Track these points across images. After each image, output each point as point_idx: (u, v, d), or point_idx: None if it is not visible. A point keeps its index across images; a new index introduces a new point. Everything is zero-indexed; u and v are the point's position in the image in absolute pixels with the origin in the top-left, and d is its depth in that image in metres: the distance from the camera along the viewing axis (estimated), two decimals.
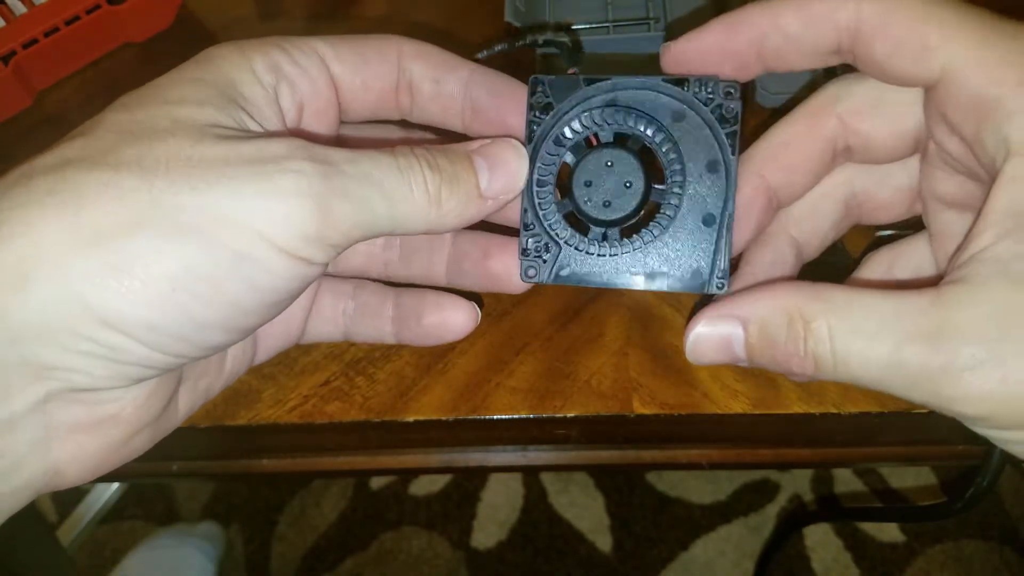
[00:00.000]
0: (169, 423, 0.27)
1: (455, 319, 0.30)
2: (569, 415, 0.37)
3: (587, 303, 0.40)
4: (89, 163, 0.21)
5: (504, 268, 0.29)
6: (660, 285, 0.27)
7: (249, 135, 0.23)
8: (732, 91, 0.27)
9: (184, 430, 0.38)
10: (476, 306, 0.30)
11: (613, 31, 0.49)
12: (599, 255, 0.28)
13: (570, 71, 0.31)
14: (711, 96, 0.27)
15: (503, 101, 0.29)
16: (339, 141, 0.28)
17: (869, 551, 1.09)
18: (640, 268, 0.28)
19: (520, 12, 0.49)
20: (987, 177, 0.24)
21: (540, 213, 0.28)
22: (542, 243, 0.28)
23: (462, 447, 0.41)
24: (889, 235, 0.39)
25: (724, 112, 0.27)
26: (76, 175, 0.21)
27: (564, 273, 0.28)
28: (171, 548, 1.06)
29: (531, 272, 0.28)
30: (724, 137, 0.27)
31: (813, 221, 0.31)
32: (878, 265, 0.32)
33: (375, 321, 0.31)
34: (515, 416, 0.37)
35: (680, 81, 0.27)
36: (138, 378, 0.23)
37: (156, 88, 0.24)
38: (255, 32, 0.55)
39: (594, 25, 0.49)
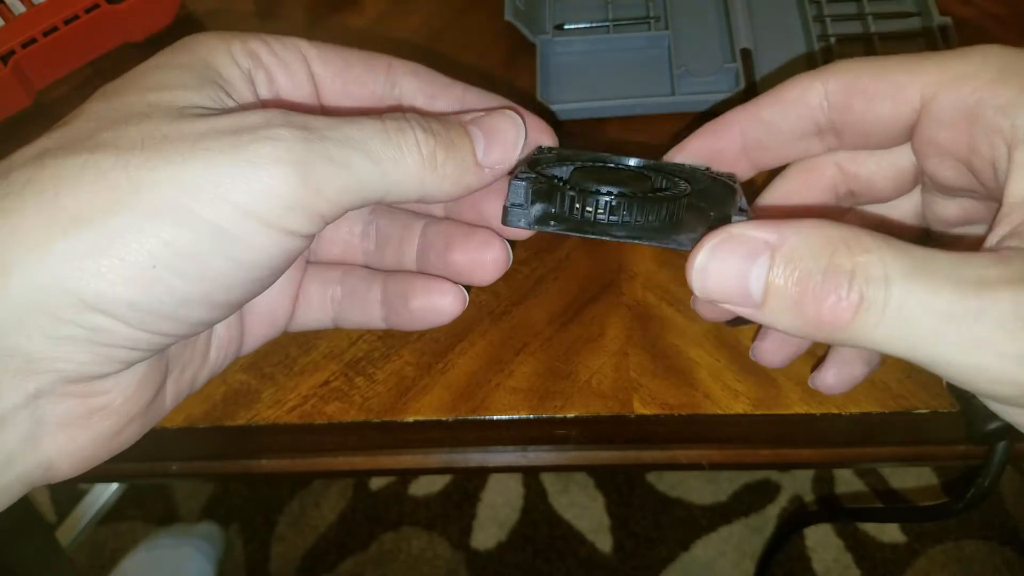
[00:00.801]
0: (157, 413, 0.27)
1: (443, 303, 0.29)
2: (569, 415, 0.37)
3: (587, 303, 0.40)
4: (66, 150, 0.21)
5: (466, 260, 0.28)
6: (666, 242, 0.23)
7: (226, 110, 0.23)
8: (727, 173, 0.27)
9: (183, 430, 0.38)
10: (464, 290, 0.29)
11: (613, 31, 0.49)
12: (596, 216, 0.24)
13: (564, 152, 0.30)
14: (705, 173, 0.27)
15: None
16: (324, 112, 0.27)
17: (870, 552, 1.09)
18: (636, 224, 0.24)
19: (520, 12, 0.49)
20: (987, 188, 0.24)
21: (536, 168, 0.26)
22: (535, 187, 0.25)
23: (462, 447, 0.41)
24: None
25: (727, 178, 0.27)
26: (53, 162, 0.21)
27: (550, 221, 0.24)
28: (170, 549, 1.06)
29: (508, 217, 0.25)
30: (729, 192, 0.25)
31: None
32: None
33: (363, 306, 0.30)
34: (515, 416, 0.37)
35: (677, 167, 0.28)
36: (125, 361, 0.23)
37: (134, 76, 0.24)
38: (254, 31, 0.55)
39: (594, 25, 0.49)
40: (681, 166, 0.28)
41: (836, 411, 0.37)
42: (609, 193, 0.23)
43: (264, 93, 0.26)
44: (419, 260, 0.30)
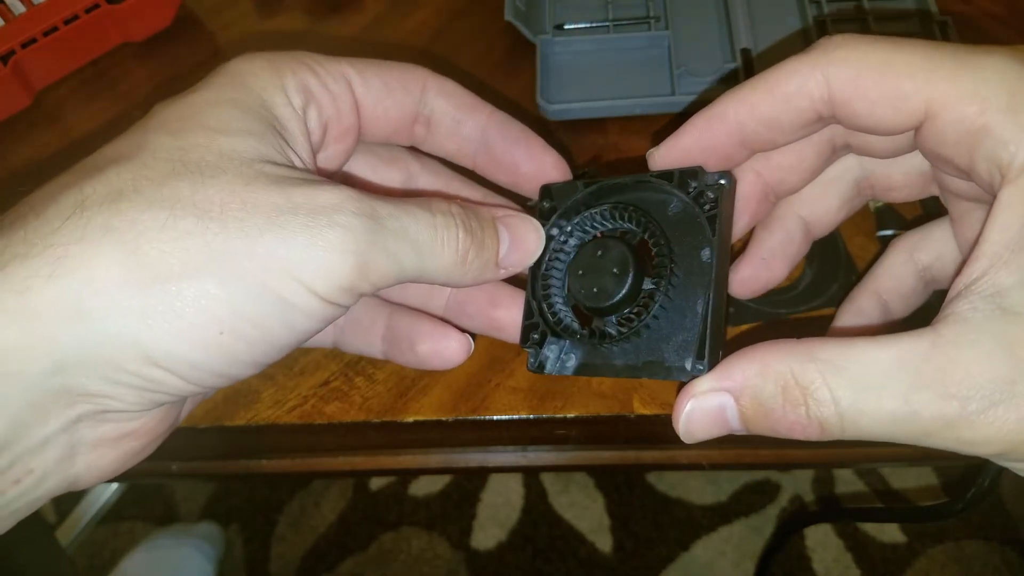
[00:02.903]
0: (173, 426, 0.28)
1: (450, 349, 0.30)
2: (569, 415, 0.37)
3: None
4: (144, 199, 0.22)
5: (510, 319, 0.30)
6: (660, 375, 0.27)
7: (298, 178, 0.24)
8: (726, 180, 0.27)
9: (184, 430, 0.38)
10: (470, 337, 0.30)
11: (613, 31, 0.49)
12: (599, 345, 0.28)
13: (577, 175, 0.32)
14: (695, 186, 0.27)
15: (518, 151, 0.30)
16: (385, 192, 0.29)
17: (870, 552, 1.09)
18: (639, 356, 0.27)
19: (520, 12, 0.49)
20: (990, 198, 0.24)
21: (543, 305, 0.29)
22: (539, 333, 0.29)
23: (462, 447, 0.41)
24: (891, 235, 0.39)
25: (701, 201, 0.27)
26: (132, 212, 0.21)
27: (569, 364, 0.29)
28: (170, 548, 1.06)
29: (532, 362, 0.29)
30: (705, 222, 0.27)
31: (823, 203, 0.31)
32: (901, 252, 0.32)
33: (365, 337, 0.32)
34: (515, 416, 0.37)
35: (666, 175, 0.28)
36: (164, 403, 0.24)
37: (194, 109, 0.25)
38: (254, 31, 0.55)
39: (594, 25, 0.49)
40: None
41: None
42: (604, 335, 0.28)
43: (313, 124, 0.27)
44: (451, 308, 0.32)
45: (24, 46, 0.49)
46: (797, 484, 1.14)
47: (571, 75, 0.48)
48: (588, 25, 0.49)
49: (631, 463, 0.42)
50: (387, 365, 0.39)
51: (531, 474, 1.14)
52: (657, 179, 0.28)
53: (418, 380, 0.38)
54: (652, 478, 1.15)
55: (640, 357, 0.27)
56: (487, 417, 0.37)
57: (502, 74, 0.49)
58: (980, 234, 0.22)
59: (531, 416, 0.37)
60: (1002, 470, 0.37)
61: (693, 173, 0.28)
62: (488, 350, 0.39)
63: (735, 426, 0.24)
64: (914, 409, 0.21)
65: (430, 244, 0.25)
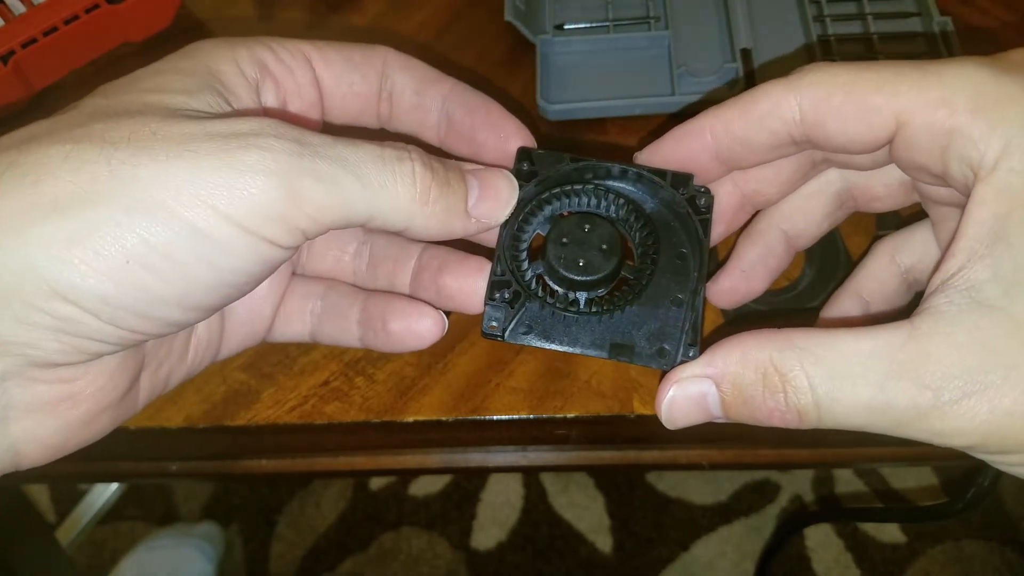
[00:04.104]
0: (130, 408, 0.27)
1: (421, 327, 0.29)
2: (569, 415, 0.37)
3: None
4: (52, 137, 0.21)
5: (457, 285, 0.29)
6: (625, 358, 0.27)
7: (221, 114, 0.23)
8: (704, 190, 0.28)
9: (183, 430, 0.38)
10: (443, 315, 0.29)
11: (613, 31, 0.49)
12: (566, 312, 0.27)
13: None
14: (685, 191, 0.28)
15: (476, 118, 0.29)
16: (326, 130, 0.28)
17: (870, 552, 1.09)
18: (606, 337, 0.27)
19: (520, 12, 0.49)
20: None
21: (512, 267, 0.28)
22: (510, 291, 0.27)
23: (462, 447, 0.41)
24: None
25: (698, 204, 0.28)
26: (38, 148, 0.21)
27: (525, 332, 0.27)
28: (170, 548, 1.06)
29: (494, 324, 0.27)
30: (698, 224, 0.28)
31: (805, 217, 0.31)
32: (883, 254, 0.32)
33: (341, 323, 0.31)
34: (515, 416, 0.37)
35: (660, 172, 0.28)
36: (95, 353, 0.23)
37: (136, 77, 0.24)
38: (254, 32, 0.55)
39: (594, 25, 0.49)
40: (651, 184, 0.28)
41: None
42: (576, 304, 0.27)
43: (270, 101, 0.27)
44: (413, 281, 0.30)
45: (24, 46, 0.49)
46: (797, 484, 1.14)
47: (571, 75, 0.48)
48: (588, 25, 0.49)
49: (631, 463, 0.42)
50: (387, 365, 0.39)
51: (531, 474, 1.14)
52: (650, 173, 0.28)
53: (418, 380, 0.38)
54: (652, 478, 1.15)
55: (607, 338, 0.27)
56: (487, 417, 0.37)
57: (502, 74, 0.49)
58: (956, 231, 0.22)
59: (531, 416, 0.37)
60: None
61: (684, 179, 0.28)
62: (488, 350, 0.39)
63: (716, 413, 0.24)
64: (889, 398, 0.21)
65: (378, 174, 0.23)
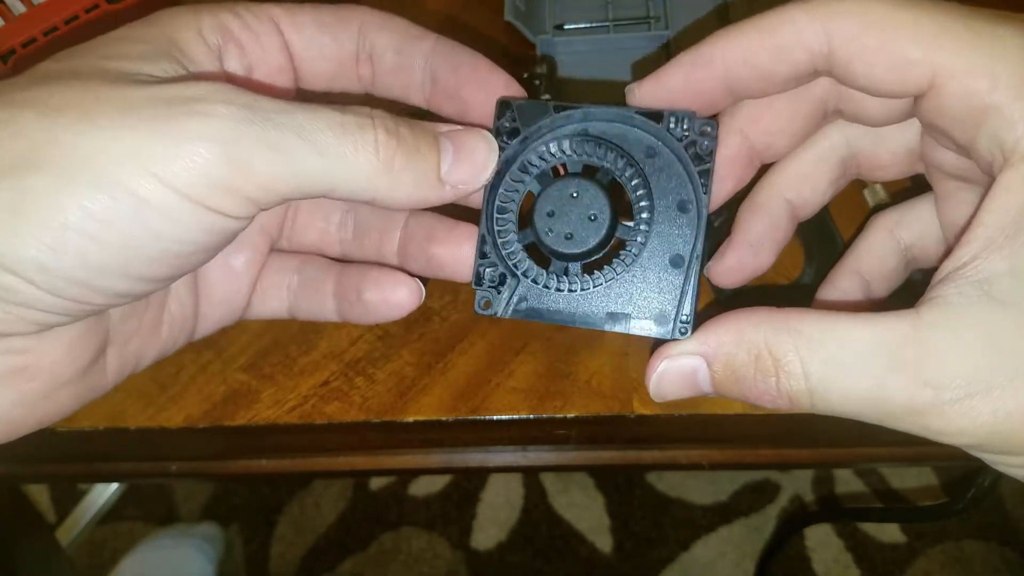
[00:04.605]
0: (98, 384, 0.26)
1: (396, 296, 0.28)
2: (569, 415, 0.37)
3: None
4: None
5: (448, 254, 0.27)
6: (621, 327, 0.26)
7: (172, 79, 0.22)
8: (708, 129, 0.26)
9: (183, 430, 0.38)
10: (419, 283, 0.28)
11: (613, 30, 0.49)
12: (558, 290, 0.26)
13: (544, 98, 0.30)
14: (686, 133, 0.26)
15: (461, 75, 0.27)
16: (302, 98, 0.27)
17: (870, 552, 1.09)
18: (601, 307, 0.26)
19: (520, 12, 0.49)
20: (986, 181, 0.23)
21: (499, 242, 0.26)
22: (498, 273, 0.26)
23: (462, 447, 0.41)
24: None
25: (698, 150, 0.26)
26: None
27: (521, 307, 0.26)
28: (170, 549, 1.06)
29: (485, 303, 0.26)
30: (696, 175, 0.26)
31: (809, 184, 0.29)
32: (882, 229, 0.30)
33: (317, 297, 0.29)
34: (515, 416, 0.37)
35: (655, 115, 0.26)
36: (42, 323, 0.22)
37: (93, 43, 0.23)
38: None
39: (594, 25, 0.49)
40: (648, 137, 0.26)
41: None
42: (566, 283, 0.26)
43: (235, 67, 0.25)
44: (400, 251, 0.29)
45: (24, 46, 0.49)
46: (797, 484, 1.14)
47: (571, 75, 0.48)
48: (588, 25, 0.49)
49: (631, 463, 0.42)
50: (387, 365, 0.39)
51: (531, 474, 1.14)
52: (642, 116, 0.26)
53: (418, 380, 0.38)
54: (652, 478, 1.15)
55: (602, 308, 0.26)
56: (487, 417, 0.37)
57: None
58: (974, 215, 0.21)
59: (531, 416, 0.37)
60: None
61: (684, 117, 0.26)
62: (488, 350, 0.39)
63: (705, 389, 0.24)
64: (885, 392, 0.20)
65: (337, 143, 0.22)
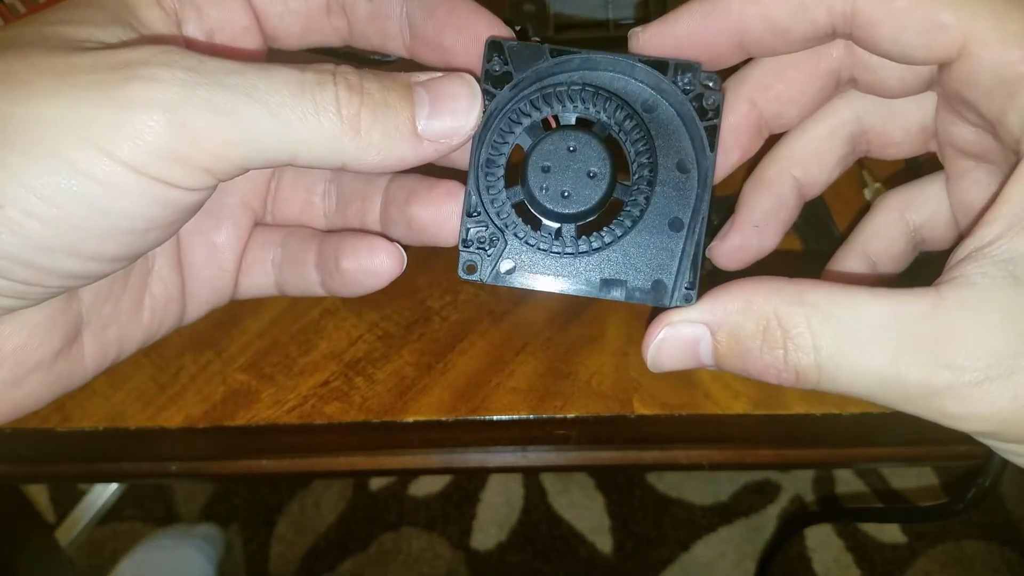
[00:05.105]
0: (74, 371, 0.25)
1: (375, 263, 0.26)
2: (569, 415, 0.37)
3: (587, 303, 0.40)
4: None
5: (428, 215, 0.25)
6: (617, 295, 0.24)
7: (115, 44, 0.21)
8: (711, 83, 0.24)
9: (183, 430, 0.38)
10: (400, 248, 0.26)
11: (613, 30, 0.49)
12: (551, 252, 0.24)
13: (534, 39, 0.27)
14: (690, 86, 0.24)
15: (438, 19, 0.25)
16: (275, 58, 0.25)
17: (870, 552, 1.09)
18: (596, 273, 0.24)
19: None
20: (1006, 159, 0.22)
21: (487, 199, 0.24)
22: (487, 233, 0.24)
23: (462, 448, 0.41)
24: None
25: (704, 104, 0.24)
26: None
27: (510, 272, 0.24)
28: (170, 549, 1.06)
29: (470, 267, 0.24)
30: (703, 131, 0.24)
31: (818, 160, 0.28)
32: (891, 209, 0.29)
33: (300, 269, 0.28)
34: (515, 416, 0.37)
35: (659, 64, 0.24)
36: None
37: (44, 12, 0.22)
38: None
39: (594, 25, 0.49)
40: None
41: (836, 411, 0.37)
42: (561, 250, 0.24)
43: (194, 32, 0.24)
44: (381, 219, 0.27)
45: None
46: (797, 484, 1.14)
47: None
48: (587, 25, 0.49)
49: (631, 463, 0.42)
50: (387, 365, 0.39)
51: (531, 474, 1.14)
52: (646, 65, 0.24)
53: (418, 380, 0.38)
54: (652, 478, 1.15)
55: (597, 274, 0.24)
56: (487, 417, 0.37)
57: None
58: (997, 193, 0.20)
59: (531, 416, 0.37)
60: (1003, 470, 0.37)
61: (689, 68, 0.24)
62: (488, 350, 0.39)
63: (706, 361, 0.22)
64: (900, 372, 0.20)
65: (295, 104, 0.20)
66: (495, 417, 0.37)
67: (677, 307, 0.23)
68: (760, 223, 0.28)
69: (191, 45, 0.22)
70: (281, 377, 0.39)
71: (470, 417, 0.37)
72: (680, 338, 0.22)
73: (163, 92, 0.19)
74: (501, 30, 0.25)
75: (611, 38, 0.48)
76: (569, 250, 0.24)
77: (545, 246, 0.24)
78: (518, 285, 0.24)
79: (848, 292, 0.20)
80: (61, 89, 0.19)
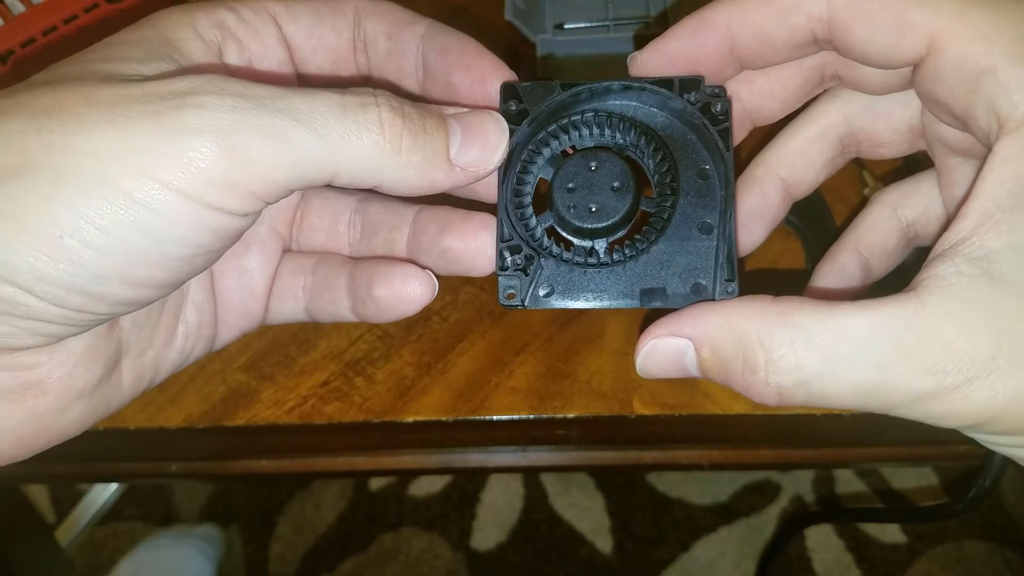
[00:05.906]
0: (114, 397, 0.25)
1: (408, 290, 0.26)
2: (569, 416, 0.37)
3: None
4: None
5: (463, 244, 0.26)
6: (658, 303, 0.24)
7: (161, 75, 0.21)
8: (719, 92, 0.25)
9: (183, 430, 0.38)
10: (432, 275, 0.27)
11: (613, 30, 0.49)
12: (586, 266, 0.25)
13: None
14: (696, 99, 0.25)
15: (449, 59, 0.26)
16: (301, 82, 0.26)
17: (871, 552, 1.09)
18: (635, 285, 0.25)
19: (520, 11, 0.49)
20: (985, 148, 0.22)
21: (519, 226, 0.25)
22: (522, 258, 0.25)
23: (462, 448, 0.41)
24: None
25: (714, 110, 0.25)
26: None
27: (549, 294, 0.25)
28: (170, 549, 1.06)
29: (510, 292, 0.25)
30: (716, 136, 0.25)
31: (806, 161, 0.29)
32: (884, 206, 0.30)
33: (331, 295, 0.28)
34: (515, 417, 0.37)
35: (664, 82, 0.25)
36: (50, 334, 0.21)
37: (87, 50, 0.23)
38: None
39: (594, 24, 0.49)
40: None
41: (837, 411, 0.37)
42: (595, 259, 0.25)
43: (234, 61, 0.25)
44: (411, 246, 0.28)
45: (24, 46, 0.49)
46: (797, 484, 1.14)
47: (571, 75, 0.48)
48: (588, 25, 0.49)
49: (631, 463, 0.42)
50: (387, 365, 0.39)
51: (531, 474, 1.14)
52: (653, 86, 0.25)
53: (418, 380, 0.38)
54: (652, 478, 1.15)
55: (636, 283, 0.25)
56: (487, 417, 0.37)
57: None
58: (970, 189, 0.21)
59: (531, 416, 0.37)
60: (1004, 470, 0.37)
61: (694, 83, 0.25)
62: (488, 350, 0.39)
63: (692, 372, 0.23)
64: (888, 381, 0.20)
65: (339, 124, 0.21)
66: (495, 417, 0.37)
67: (726, 298, 0.24)
68: (746, 221, 0.29)
69: (233, 74, 0.22)
70: (281, 377, 0.39)
71: (470, 417, 0.37)
72: (666, 349, 0.23)
73: (213, 118, 0.19)
74: (505, 72, 0.26)
75: (611, 38, 0.48)
76: (604, 260, 0.25)
77: (581, 259, 0.25)
78: (559, 306, 0.25)
79: (831, 309, 0.21)
80: (113, 120, 0.19)
